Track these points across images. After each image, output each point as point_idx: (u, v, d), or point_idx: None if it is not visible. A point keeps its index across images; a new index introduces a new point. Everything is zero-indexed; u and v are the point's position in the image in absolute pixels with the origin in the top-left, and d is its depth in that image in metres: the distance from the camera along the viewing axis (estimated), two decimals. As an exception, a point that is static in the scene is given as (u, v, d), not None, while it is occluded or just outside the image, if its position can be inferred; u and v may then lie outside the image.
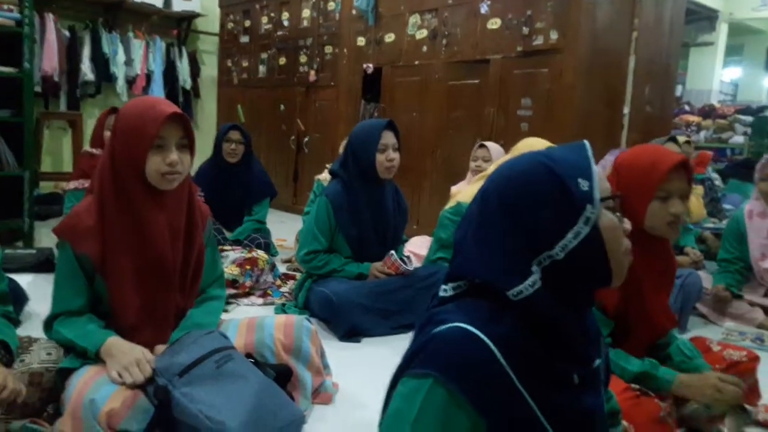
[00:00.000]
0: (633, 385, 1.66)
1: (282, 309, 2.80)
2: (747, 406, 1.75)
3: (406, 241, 3.00)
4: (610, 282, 0.99)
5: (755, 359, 1.92)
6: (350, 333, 2.54)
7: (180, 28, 6.95)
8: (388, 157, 2.63)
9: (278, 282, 3.22)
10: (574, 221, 0.94)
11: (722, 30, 11.81)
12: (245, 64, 6.60)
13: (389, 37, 4.95)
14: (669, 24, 4.31)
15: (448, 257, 2.80)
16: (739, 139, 8.69)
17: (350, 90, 5.34)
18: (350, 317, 2.52)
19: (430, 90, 4.66)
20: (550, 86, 3.85)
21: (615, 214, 0.98)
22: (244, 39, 6.57)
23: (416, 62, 4.73)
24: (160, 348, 1.60)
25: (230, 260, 3.05)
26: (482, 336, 0.92)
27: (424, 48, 4.66)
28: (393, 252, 2.69)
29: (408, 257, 2.81)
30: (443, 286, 1.03)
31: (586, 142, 1.00)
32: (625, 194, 1.61)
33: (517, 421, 0.93)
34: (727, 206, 4.53)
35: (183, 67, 6.88)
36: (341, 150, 3.43)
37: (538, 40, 3.88)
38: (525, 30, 3.91)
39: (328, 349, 2.07)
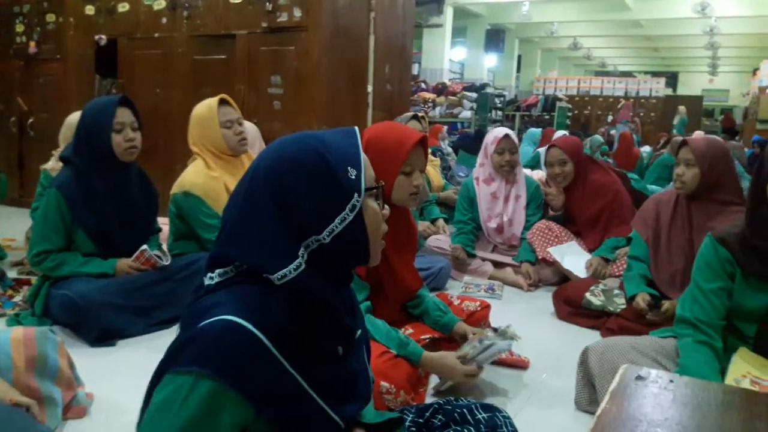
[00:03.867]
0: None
1: (16, 320, 2.43)
2: None
3: (160, 230, 2.79)
4: (369, 262, 1.06)
5: (487, 307, 2.30)
6: (102, 337, 2.31)
7: None
8: (126, 137, 2.39)
9: (9, 292, 2.79)
10: (342, 208, 0.98)
11: (448, 13, 13.13)
12: (-60, 32, 5.56)
13: (123, 6, 4.56)
14: (402, 6, 4.63)
15: (187, 251, 2.67)
16: (467, 113, 9.83)
17: (81, 64, 4.82)
18: (101, 320, 2.29)
19: (174, 65, 4.42)
20: (298, 64, 3.90)
21: (377, 201, 1.06)
22: (-63, 2, 5.51)
23: (156, 34, 4.45)
24: None
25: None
26: (249, 326, 0.92)
27: (164, 20, 4.40)
28: (146, 246, 2.49)
29: (164, 250, 2.62)
30: (209, 274, 1.00)
31: (356, 129, 1.05)
32: (375, 171, 1.73)
33: (288, 400, 0.96)
34: (461, 174, 5.08)
35: None
36: (61, 138, 3.07)
37: (283, 17, 3.89)
38: (268, 6, 3.90)
39: (79, 357, 1.90)
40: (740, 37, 15.65)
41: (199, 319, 0.93)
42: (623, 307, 2.56)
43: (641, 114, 14.67)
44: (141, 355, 2.24)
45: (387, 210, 1.08)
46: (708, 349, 1.63)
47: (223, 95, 2.72)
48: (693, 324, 1.66)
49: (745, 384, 1.50)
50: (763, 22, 13.37)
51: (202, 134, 2.67)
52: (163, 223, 2.82)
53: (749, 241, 1.61)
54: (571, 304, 2.82)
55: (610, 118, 14.06)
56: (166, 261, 2.55)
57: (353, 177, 0.99)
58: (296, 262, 0.96)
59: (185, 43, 4.34)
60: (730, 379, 1.53)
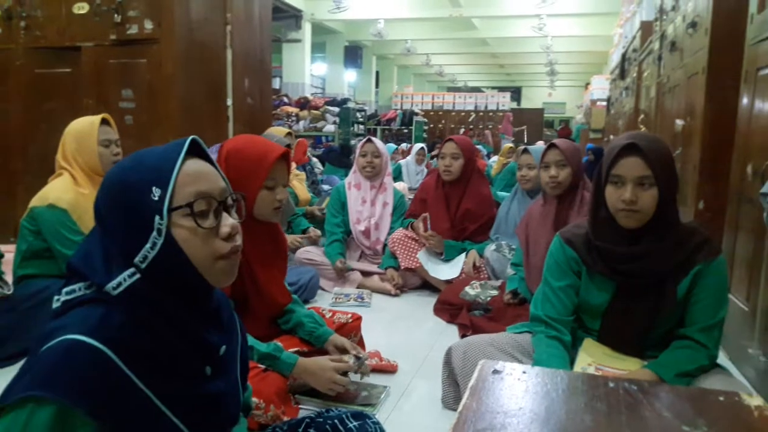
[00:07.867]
0: (260, 364, 1.78)
1: None
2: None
3: (2, 256, 2.53)
4: (207, 284, 1.00)
5: (358, 319, 2.33)
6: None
7: None
8: None
9: None
10: (149, 232, 0.93)
11: (307, 29, 13.20)
12: None
13: (-52, 16, 4.12)
14: (259, 20, 4.60)
15: (38, 272, 2.45)
16: (330, 127, 9.96)
17: None
18: (-69, 361, 2.04)
19: (11, 78, 4.06)
20: (151, 77, 3.75)
21: (206, 218, 0.97)
22: None
23: (-12, 46, 4.07)
24: None
25: None
26: (93, 342, 0.87)
27: (-2, 30, 4.03)
28: (-18, 274, 2.26)
29: (5, 279, 2.38)
30: (55, 296, 0.95)
31: (188, 140, 0.99)
32: (236, 185, 1.75)
33: (139, 418, 0.91)
34: (325, 187, 5.12)
35: None
36: None
37: (133, 29, 3.73)
38: (117, 18, 3.71)
39: None
40: (574, 55, 17.22)
41: (43, 345, 0.87)
42: (495, 294, 2.76)
43: (490, 126, 15.65)
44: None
45: (234, 224, 1.00)
46: (558, 343, 1.73)
47: (106, 115, 2.57)
48: (545, 321, 1.77)
49: (591, 371, 1.60)
50: (592, 41, 14.86)
51: (76, 149, 2.48)
52: (6, 250, 2.57)
53: (592, 242, 1.72)
54: (450, 303, 2.99)
55: (462, 131, 14.85)
56: (8, 290, 2.32)
57: (156, 198, 0.93)
58: (129, 271, 0.93)
59: (24, 56, 4.01)
60: (577, 368, 1.63)
